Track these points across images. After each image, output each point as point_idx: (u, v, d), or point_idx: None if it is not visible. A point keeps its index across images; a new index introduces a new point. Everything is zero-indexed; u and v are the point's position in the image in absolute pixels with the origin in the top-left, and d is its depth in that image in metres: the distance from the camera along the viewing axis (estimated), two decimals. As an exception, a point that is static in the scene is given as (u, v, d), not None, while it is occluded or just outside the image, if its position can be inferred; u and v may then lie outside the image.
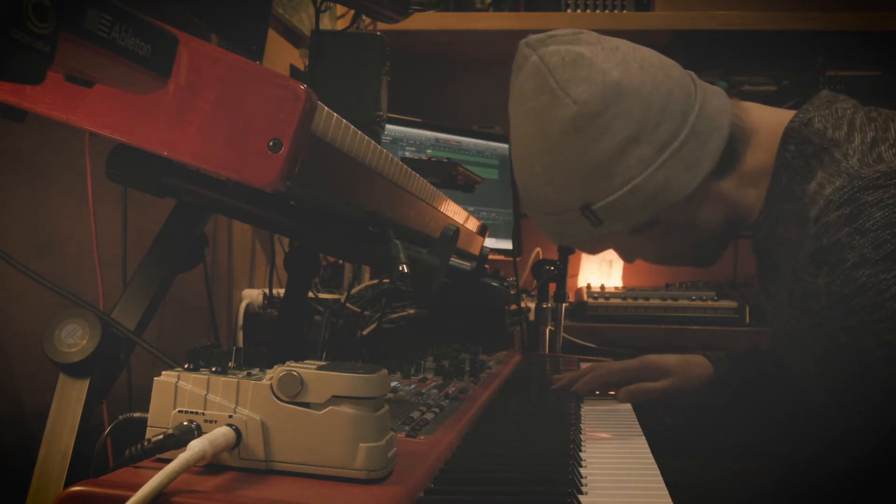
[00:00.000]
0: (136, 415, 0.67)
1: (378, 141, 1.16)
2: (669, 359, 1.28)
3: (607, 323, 1.98)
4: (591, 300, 2.02)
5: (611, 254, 2.46)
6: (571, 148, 1.02)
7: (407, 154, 2.19)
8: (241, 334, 1.68)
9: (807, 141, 1.02)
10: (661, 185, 1.02)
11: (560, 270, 1.80)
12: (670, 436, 1.24)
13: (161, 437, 0.60)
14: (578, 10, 2.31)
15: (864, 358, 0.93)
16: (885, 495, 1.04)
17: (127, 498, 0.53)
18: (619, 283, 2.39)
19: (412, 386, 1.07)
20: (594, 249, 1.20)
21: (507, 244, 2.25)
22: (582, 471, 0.79)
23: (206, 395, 0.62)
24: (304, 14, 1.94)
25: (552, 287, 1.82)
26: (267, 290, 1.67)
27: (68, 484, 0.68)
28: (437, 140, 2.29)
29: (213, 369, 0.64)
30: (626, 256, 1.21)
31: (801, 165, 1.02)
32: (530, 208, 1.14)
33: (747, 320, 1.94)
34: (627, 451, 0.91)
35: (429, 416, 0.88)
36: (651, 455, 0.88)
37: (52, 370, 0.79)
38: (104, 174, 0.78)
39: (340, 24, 2.12)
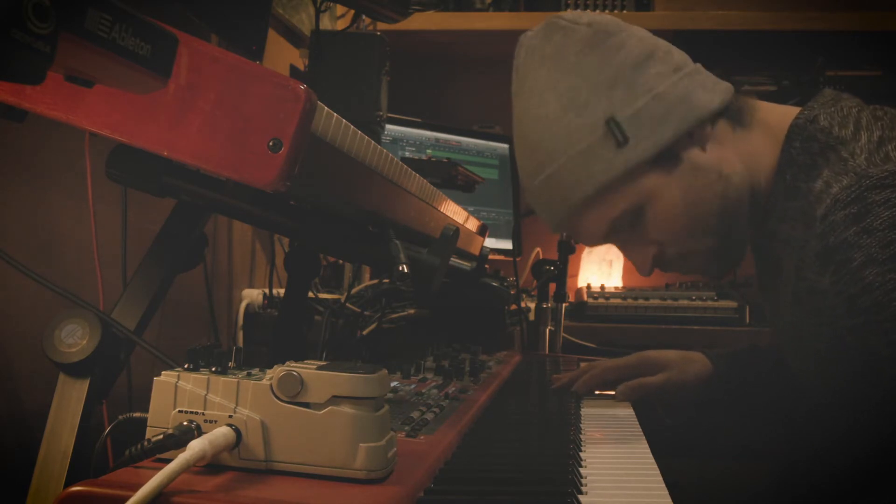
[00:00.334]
0: (136, 415, 0.67)
1: (378, 141, 1.16)
2: (667, 353, 1.28)
3: (607, 323, 1.98)
4: (591, 300, 2.02)
5: (611, 253, 2.43)
6: (590, 64, 1.04)
7: (407, 154, 2.19)
8: (241, 334, 1.68)
9: (812, 138, 1.02)
10: (683, 95, 1.03)
11: (560, 270, 1.80)
12: (670, 436, 1.24)
13: (161, 437, 0.60)
14: (578, 10, 2.31)
15: (869, 357, 0.93)
16: (885, 495, 1.04)
17: (127, 498, 0.53)
18: (619, 283, 2.38)
19: (412, 386, 1.07)
20: (611, 212, 1.06)
21: (507, 244, 2.25)
22: (582, 471, 0.79)
23: (206, 395, 0.62)
24: (304, 14, 1.94)
25: (552, 287, 1.82)
26: (267, 290, 1.67)
27: (68, 484, 0.68)
28: (437, 140, 2.29)
29: (213, 369, 0.64)
30: (646, 239, 1.08)
31: (807, 163, 1.02)
32: (545, 174, 1.05)
33: (747, 320, 1.94)
34: (627, 451, 0.91)
35: (429, 416, 0.88)
36: (651, 455, 0.88)
37: (52, 370, 0.79)
38: (104, 174, 0.78)
39: (340, 24, 2.12)
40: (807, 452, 1.24)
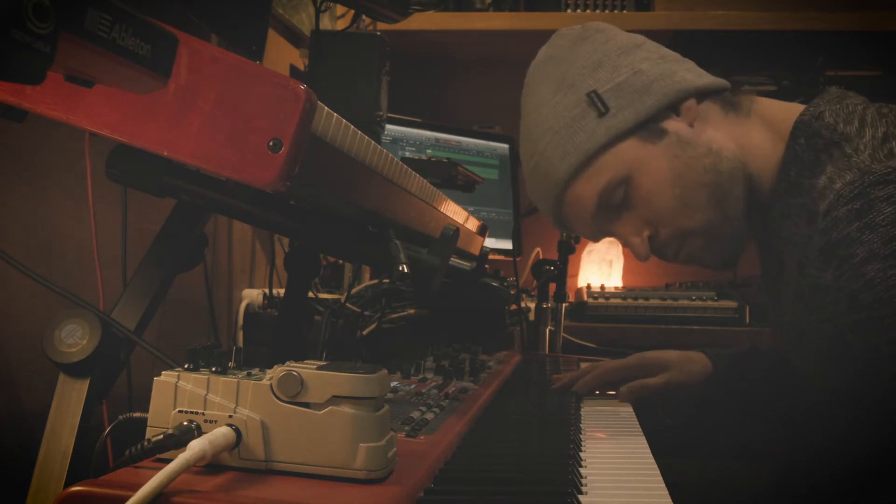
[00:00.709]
0: (136, 415, 0.67)
1: (378, 141, 1.16)
2: (668, 354, 1.29)
3: (607, 323, 1.98)
4: (591, 300, 2.02)
5: (611, 253, 2.43)
6: (581, 53, 1.11)
7: (407, 154, 2.19)
8: (241, 334, 1.68)
9: (817, 134, 1.02)
10: (665, 72, 1.08)
11: (560, 270, 1.80)
12: (670, 436, 1.24)
13: (161, 437, 0.60)
14: (578, 10, 2.32)
15: (870, 354, 0.93)
16: (885, 495, 1.04)
17: (127, 498, 0.53)
18: (619, 283, 2.38)
19: (412, 386, 1.07)
20: (605, 192, 1.07)
21: (507, 244, 2.25)
22: (582, 471, 0.79)
23: (206, 395, 0.62)
24: (304, 14, 1.94)
25: (552, 287, 1.82)
26: (267, 290, 1.67)
27: (68, 484, 0.68)
28: (437, 140, 2.29)
29: (213, 369, 0.64)
30: (639, 219, 1.08)
31: (811, 159, 1.02)
32: (536, 156, 1.09)
33: (747, 320, 1.94)
34: (627, 451, 0.91)
35: (429, 416, 0.88)
36: (651, 455, 0.88)
37: (52, 370, 0.79)
38: (104, 174, 0.78)
39: (340, 24, 2.12)
40: (807, 452, 1.24)
